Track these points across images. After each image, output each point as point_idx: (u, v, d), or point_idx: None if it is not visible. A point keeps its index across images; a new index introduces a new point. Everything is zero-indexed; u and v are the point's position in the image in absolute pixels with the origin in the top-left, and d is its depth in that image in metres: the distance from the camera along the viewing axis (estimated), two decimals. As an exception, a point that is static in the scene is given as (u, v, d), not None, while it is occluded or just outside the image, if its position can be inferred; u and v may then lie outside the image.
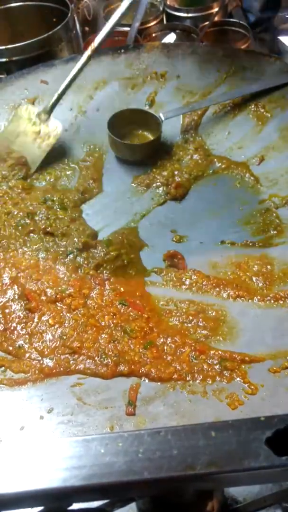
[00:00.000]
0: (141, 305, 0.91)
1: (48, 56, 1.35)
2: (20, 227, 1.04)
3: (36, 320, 0.89)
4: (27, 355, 0.85)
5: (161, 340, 0.85)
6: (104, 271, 0.97)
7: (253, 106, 1.21)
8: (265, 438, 0.36)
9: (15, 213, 1.07)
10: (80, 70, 1.18)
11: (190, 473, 0.37)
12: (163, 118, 1.17)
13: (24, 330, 0.89)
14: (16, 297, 0.93)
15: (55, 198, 1.10)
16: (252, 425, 0.37)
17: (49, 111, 1.19)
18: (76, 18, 1.44)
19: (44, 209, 1.07)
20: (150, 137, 1.20)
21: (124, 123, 1.19)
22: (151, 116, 1.19)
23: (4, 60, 1.32)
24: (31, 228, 1.04)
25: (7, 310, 0.91)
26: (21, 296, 0.93)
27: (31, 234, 1.03)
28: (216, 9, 1.43)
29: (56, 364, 0.84)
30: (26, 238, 1.03)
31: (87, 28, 1.64)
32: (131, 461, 0.39)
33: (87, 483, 0.40)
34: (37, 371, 0.83)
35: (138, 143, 1.19)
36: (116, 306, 0.91)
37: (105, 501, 0.46)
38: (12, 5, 1.51)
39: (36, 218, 1.06)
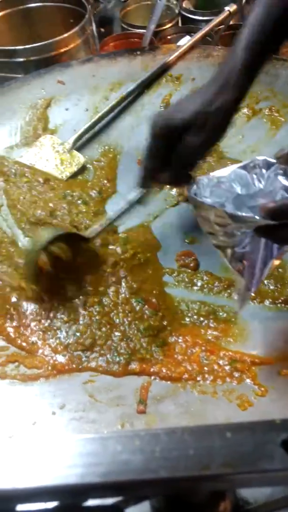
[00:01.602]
0: (157, 303, 0.92)
1: (65, 56, 1.36)
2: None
3: (51, 316, 0.91)
4: (40, 351, 0.87)
5: (173, 338, 0.87)
6: (121, 269, 0.98)
7: (267, 110, 1.22)
8: (280, 441, 0.37)
9: (36, 213, 1.09)
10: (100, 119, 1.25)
11: (206, 473, 0.38)
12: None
13: (38, 326, 0.90)
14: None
15: (74, 194, 1.11)
16: (267, 428, 0.38)
17: (72, 144, 1.22)
18: (92, 19, 1.46)
19: (65, 205, 1.09)
20: None
21: None
22: None
23: (21, 60, 1.34)
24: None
25: (22, 307, 0.93)
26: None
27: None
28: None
29: (69, 361, 0.85)
30: None
31: (102, 30, 1.66)
32: (147, 460, 0.41)
33: (104, 480, 0.41)
34: (49, 367, 0.85)
35: None
36: (131, 304, 0.92)
37: (120, 498, 0.47)
38: (30, 5, 1.53)
39: (58, 213, 1.07)
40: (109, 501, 0.48)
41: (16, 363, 0.86)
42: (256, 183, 0.73)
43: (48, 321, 0.90)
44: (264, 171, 0.73)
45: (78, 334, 0.88)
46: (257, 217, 0.65)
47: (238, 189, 0.74)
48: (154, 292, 0.94)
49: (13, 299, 0.94)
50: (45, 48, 1.34)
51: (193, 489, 0.43)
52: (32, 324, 0.90)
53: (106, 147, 1.24)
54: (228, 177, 0.74)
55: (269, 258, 0.74)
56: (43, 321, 0.90)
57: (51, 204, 1.09)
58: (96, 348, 0.86)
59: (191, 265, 0.98)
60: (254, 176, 0.73)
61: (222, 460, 0.38)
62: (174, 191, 1.13)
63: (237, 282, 0.79)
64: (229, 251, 0.75)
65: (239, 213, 0.68)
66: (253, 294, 0.77)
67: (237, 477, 0.38)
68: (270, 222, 0.64)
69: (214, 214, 0.71)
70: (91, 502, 0.47)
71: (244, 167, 0.74)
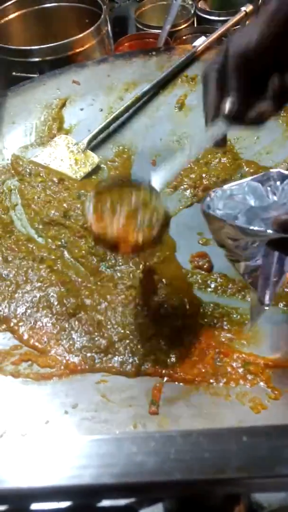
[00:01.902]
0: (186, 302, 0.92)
1: (80, 56, 1.37)
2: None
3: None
4: (53, 351, 0.87)
5: (189, 339, 0.86)
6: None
7: (283, 112, 1.21)
8: (297, 446, 0.37)
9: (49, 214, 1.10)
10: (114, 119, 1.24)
11: (221, 476, 0.38)
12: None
13: (53, 327, 0.90)
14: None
15: (88, 194, 1.12)
16: (283, 432, 0.38)
17: (87, 144, 1.22)
18: (108, 19, 1.46)
19: (79, 205, 1.09)
20: None
21: None
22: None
23: (37, 59, 1.35)
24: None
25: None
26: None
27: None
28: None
29: (81, 362, 0.85)
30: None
31: (117, 29, 1.66)
32: (162, 462, 0.41)
33: (118, 481, 0.41)
34: (62, 367, 0.85)
35: None
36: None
37: (133, 499, 0.47)
38: (46, 5, 1.54)
39: (72, 213, 1.08)
40: (122, 502, 0.48)
41: (29, 362, 0.86)
42: (270, 195, 0.72)
43: (64, 322, 0.91)
44: (278, 183, 0.72)
45: (94, 335, 0.88)
46: (269, 231, 0.64)
47: (252, 202, 0.72)
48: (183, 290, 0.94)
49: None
50: (61, 48, 1.35)
51: (208, 492, 0.43)
52: (49, 324, 0.91)
53: (121, 148, 1.24)
54: (242, 190, 0.73)
55: (282, 272, 0.74)
56: (59, 321, 0.91)
57: (65, 204, 1.10)
58: (111, 349, 0.86)
59: (205, 266, 0.98)
60: (268, 188, 0.72)
61: (238, 464, 0.38)
62: (188, 192, 1.13)
63: (251, 298, 0.78)
64: (242, 264, 0.75)
65: (250, 227, 0.67)
66: (266, 308, 0.77)
67: (252, 481, 0.38)
68: (283, 235, 0.64)
69: (226, 227, 0.71)
70: (105, 503, 0.47)
71: (258, 180, 0.73)
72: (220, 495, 0.43)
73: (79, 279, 0.97)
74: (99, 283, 0.96)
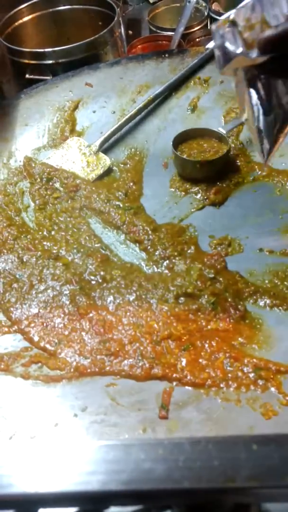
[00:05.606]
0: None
1: (93, 59, 1.37)
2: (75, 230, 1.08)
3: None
4: (63, 353, 0.87)
5: (200, 342, 0.86)
6: None
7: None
8: (308, 456, 0.36)
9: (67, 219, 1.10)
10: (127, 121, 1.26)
11: (230, 485, 0.37)
12: (224, 132, 1.17)
13: (65, 328, 0.90)
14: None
15: (102, 196, 1.12)
16: (295, 441, 0.37)
17: (99, 146, 1.22)
18: (121, 22, 1.46)
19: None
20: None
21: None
22: (210, 132, 1.19)
23: (50, 62, 1.35)
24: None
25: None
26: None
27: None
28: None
29: (91, 364, 0.85)
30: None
31: (130, 32, 1.66)
32: (171, 469, 0.40)
33: (126, 488, 0.40)
34: (72, 369, 0.85)
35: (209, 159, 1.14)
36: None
37: (141, 506, 0.47)
38: (59, 8, 1.54)
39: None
40: (129, 509, 0.48)
41: (39, 364, 0.86)
42: None
43: (75, 322, 0.90)
44: None
45: (104, 337, 0.88)
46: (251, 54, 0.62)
47: None
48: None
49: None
50: (74, 50, 1.35)
51: (217, 501, 0.42)
52: (60, 326, 0.91)
53: (133, 150, 1.24)
54: None
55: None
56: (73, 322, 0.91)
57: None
58: (121, 352, 0.85)
59: (219, 267, 0.97)
60: None
61: (248, 473, 0.37)
62: (199, 195, 1.12)
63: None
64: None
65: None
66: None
67: (263, 491, 0.37)
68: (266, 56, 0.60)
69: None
70: (112, 510, 0.47)
71: None
72: (229, 504, 0.43)
73: (92, 276, 0.97)
74: (110, 284, 0.96)
